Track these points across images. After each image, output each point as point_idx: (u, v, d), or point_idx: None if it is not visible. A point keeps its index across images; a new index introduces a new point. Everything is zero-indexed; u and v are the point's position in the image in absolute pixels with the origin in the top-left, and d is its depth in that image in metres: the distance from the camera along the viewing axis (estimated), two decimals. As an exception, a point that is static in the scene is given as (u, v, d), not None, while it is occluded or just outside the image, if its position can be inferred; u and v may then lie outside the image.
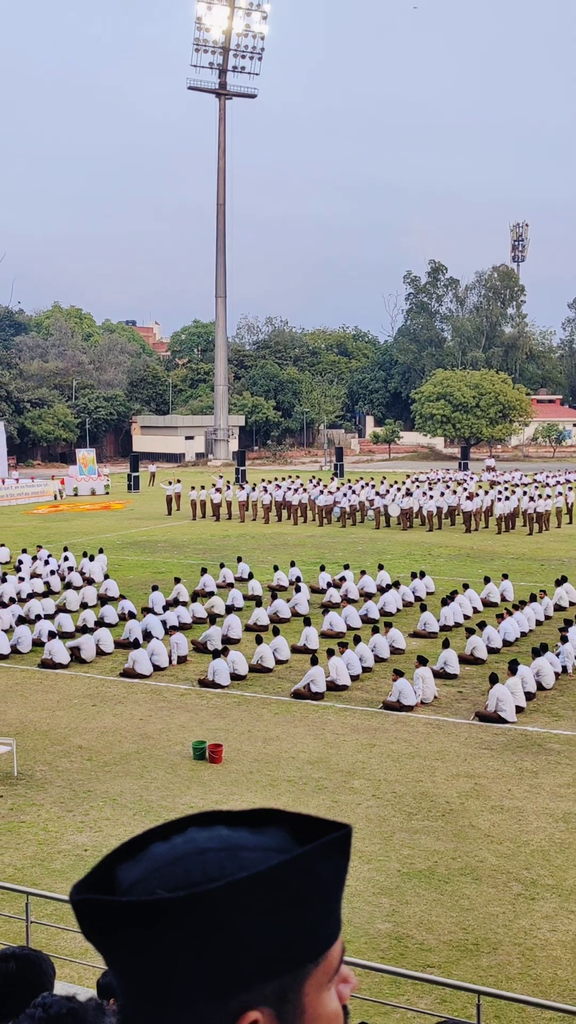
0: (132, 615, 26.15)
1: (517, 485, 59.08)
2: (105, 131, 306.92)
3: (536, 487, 56.08)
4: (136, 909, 1.03)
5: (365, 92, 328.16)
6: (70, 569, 32.77)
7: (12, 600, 28.01)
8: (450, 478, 64.98)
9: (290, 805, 14.87)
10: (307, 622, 24.68)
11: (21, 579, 30.72)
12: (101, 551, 35.21)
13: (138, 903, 1.03)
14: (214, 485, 52.95)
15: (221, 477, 61.60)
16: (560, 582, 29.35)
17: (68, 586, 30.66)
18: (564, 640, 22.70)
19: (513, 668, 19.94)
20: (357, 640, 22.87)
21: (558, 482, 59.18)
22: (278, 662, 22.68)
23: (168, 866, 1.06)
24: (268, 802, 15.06)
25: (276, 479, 56.70)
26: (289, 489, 50.93)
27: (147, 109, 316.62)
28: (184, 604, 27.29)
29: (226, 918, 1.03)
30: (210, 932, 1.03)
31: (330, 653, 21.56)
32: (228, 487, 53.32)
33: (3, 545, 37.57)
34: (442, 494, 50.03)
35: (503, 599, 28.92)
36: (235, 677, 21.44)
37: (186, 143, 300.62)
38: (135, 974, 1.06)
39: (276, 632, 23.77)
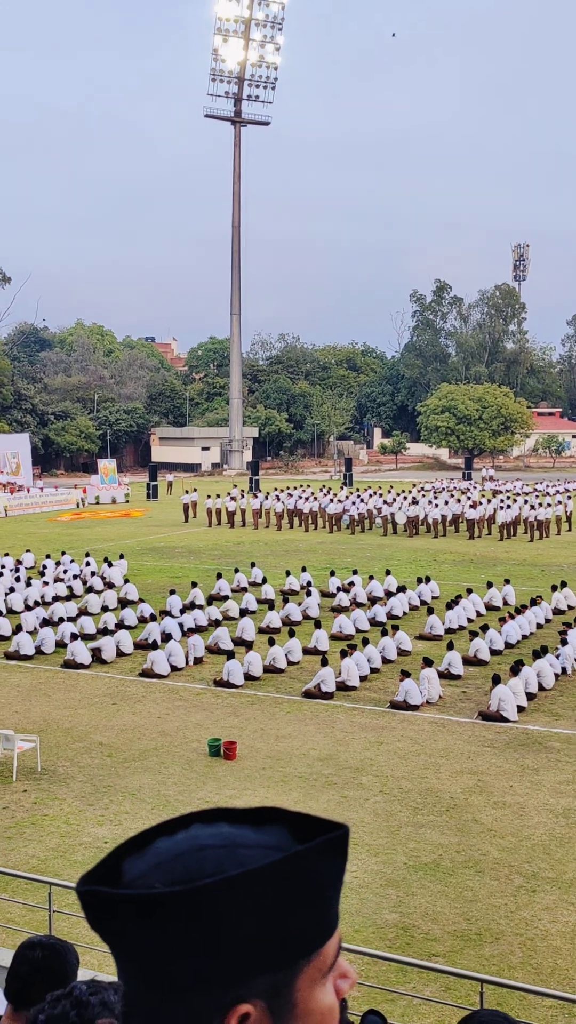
0: (151, 618, 26.18)
1: (518, 494, 58.94)
2: (126, 157, 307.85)
3: (537, 496, 56.01)
4: (135, 902, 1.04)
5: (373, 121, 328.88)
6: (92, 574, 32.82)
7: (36, 603, 28.08)
8: (454, 487, 64.85)
9: (300, 800, 14.87)
10: (317, 625, 24.66)
11: (45, 583, 30.80)
12: (121, 556, 35.29)
13: (137, 896, 1.04)
14: (229, 494, 52.97)
15: (236, 486, 61.62)
16: (557, 588, 29.29)
17: (90, 590, 30.72)
18: (564, 643, 22.65)
19: (516, 669, 19.90)
20: (365, 642, 22.87)
21: (558, 491, 59.01)
22: (290, 663, 22.68)
23: (169, 861, 1.07)
24: (279, 797, 15.05)
25: (288, 488, 56.70)
26: (300, 498, 50.93)
27: (166, 136, 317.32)
28: (200, 607, 27.32)
29: (221, 913, 1.03)
30: (205, 926, 1.03)
31: (341, 654, 21.56)
32: (242, 496, 53.36)
33: (28, 551, 37.69)
34: (446, 503, 49.99)
35: (505, 603, 28.86)
36: (249, 677, 21.44)
37: (203, 168, 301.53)
38: (135, 963, 1.07)
39: (292, 634, 23.80)
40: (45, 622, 25.61)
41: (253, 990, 1.05)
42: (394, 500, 50.60)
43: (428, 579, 30.91)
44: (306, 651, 23.36)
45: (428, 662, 20.41)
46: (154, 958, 1.04)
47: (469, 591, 28.70)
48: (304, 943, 1.08)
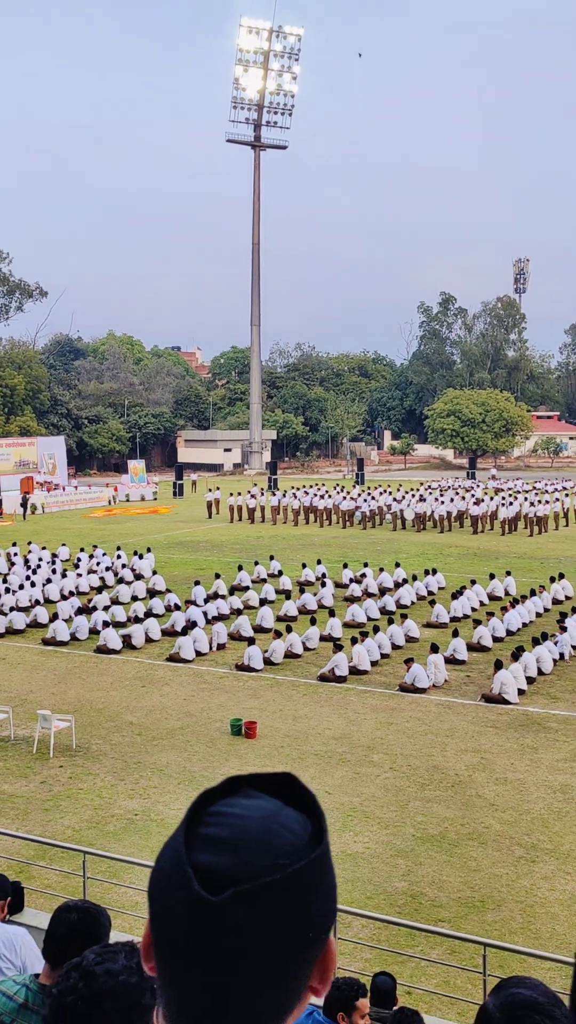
0: (177, 607, 26.22)
1: (519, 492, 58.71)
2: (154, 178, 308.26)
3: (536, 494, 55.76)
4: (283, 884, 0.98)
5: (383, 143, 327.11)
6: (123, 566, 32.90)
7: (71, 593, 28.16)
8: (459, 485, 64.66)
9: (317, 776, 14.87)
10: (332, 613, 24.66)
11: (79, 575, 30.90)
12: (149, 550, 35.34)
13: (291, 874, 0.98)
14: (249, 492, 52.99)
15: (256, 485, 61.62)
16: (555, 579, 29.18)
17: (121, 581, 30.77)
18: (562, 630, 22.57)
19: (516, 655, 19.85)
20: (376, 630, 22.85)
21: (556, 489, 58.75)
22: (307, 649, 22.69)
23: (260, 841, 1.01)
24: (298, 773, 15.03)
25: (304, 486, 56.69)
26: (316, 495, 50.89)
27: (191, 158, 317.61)
28: (223, 597, 27.34)
29: (330, 864, 1.03)
30: (329, 879, 1.03)
31: (353, 641, 21.56)
32: (262, 493, 53.38)
33: (64, 544, 37.81)
34: (452, 500, 49.83)
35: (506, 593, 28.77)
36: (268, 662, 21.46)
37: (225, 189, 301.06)
38: (254, 944, 0.98)
39: (313, 622, 23.82)
40: (80, 611, 25.69)
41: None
42: (403, 498, 50.49)
43: (435, 571, 30.82)
44: (321, 638, 23.36)
45: (435, 648, 20.37)
46: (270, 934, 0.98)
47: (473, 582, 28.60)
48: None
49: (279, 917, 0.98)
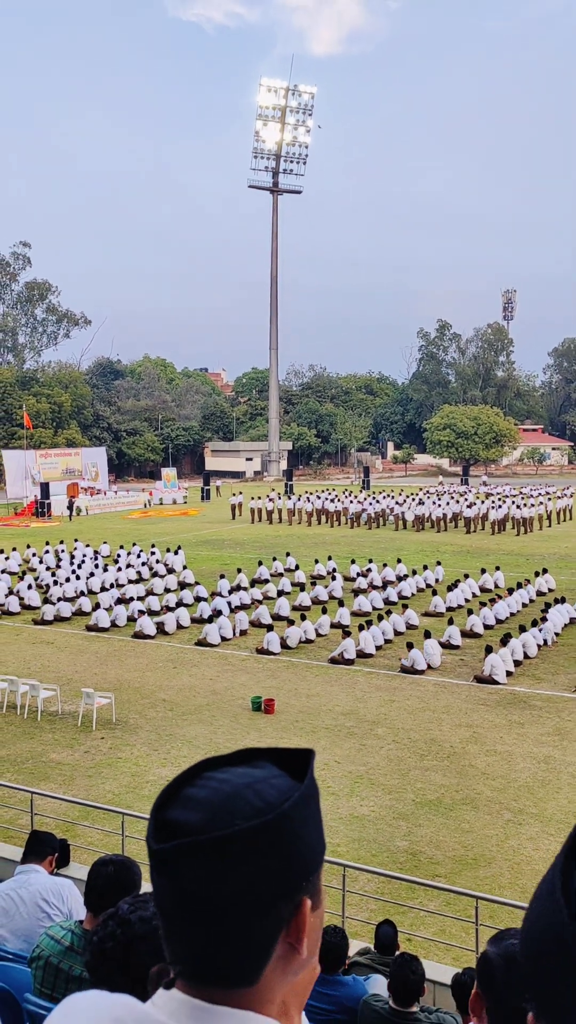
0: (204, 598, 26.23)
1: (507, 496, 58.39)
2: (185, 218, 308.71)
3: (522, 498, 55.44)
4: (233, 839, 0.96)
5: (387, 186, 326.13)
6: (157, 561, 32.94)
7: (112, 585, 28.21)
8: (454, 491, 64.37)
9: (327, 747, 14.85)
10: (341, 604, 24.63)
11: (119, 569, 30.95)
12: (180, 547, 35.37)
13: (238, 832, 0.97)
14: (268, 496, 52.94)
15: (273, 490, 61.55)
16: (539, 573, 29.02)
17: (155, 575, 30.82)
18: (545, 619, 22.44)
19: (505, 641, 19.75)
20: (380, 618, 22.78)
21: (540, 494, 58.38)
22: (319, 635, 22.65)
23: (227, 802, 1.00)
24: (310, 744, 15.03)
25: (317, 491, 56.58)
26: (327, 499, 50.82)
27: (218, 202, 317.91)
28: (245, 589, 27.32)
29: (295, 830, 1.00)
30: (289, 843, 1.00)
31: (360, 628, 21.51)
32: (279, 497, 53.31)
33: (105, 543, 37.90)
34: (448, 503, 49.65)
35: (496, 586, 28.63)
36: (285, 646, 21.44)
37: (247, 229, 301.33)
38: (207, 894, 0.97)
39: (324, 611, 23.78)
40: (119, 601, 25.72)
41: (309, 886, 1.04)
42: (404, 501, 50.35)
43: (438, 563, 30.74)
44: (331, 625, 23.32)
45: (427, 634, 20.34)
46: (234, 884, 0.97)
47: (466, 576, 28.50)
48: (324, 844, 1.08)
49: (227, 871, 0.97)
